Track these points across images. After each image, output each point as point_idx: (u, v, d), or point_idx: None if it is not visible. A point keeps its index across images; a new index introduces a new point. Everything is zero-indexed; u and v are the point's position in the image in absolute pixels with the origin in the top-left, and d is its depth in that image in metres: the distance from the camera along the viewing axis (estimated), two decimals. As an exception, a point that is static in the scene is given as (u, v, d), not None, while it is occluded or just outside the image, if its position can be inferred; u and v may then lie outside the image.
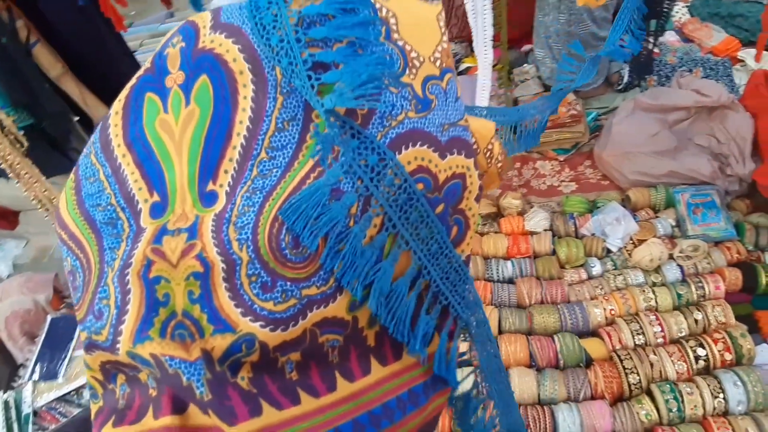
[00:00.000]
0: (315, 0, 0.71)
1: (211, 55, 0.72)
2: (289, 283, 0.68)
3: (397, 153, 0.70)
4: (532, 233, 2.49)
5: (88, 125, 3.14)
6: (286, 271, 0.68)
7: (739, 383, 1.85)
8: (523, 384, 1.95)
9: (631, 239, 2.36)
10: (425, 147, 0.72)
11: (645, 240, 2.31)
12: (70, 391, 2.34)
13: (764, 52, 2.78)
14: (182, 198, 0.71)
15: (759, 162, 2.52)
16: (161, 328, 0.67)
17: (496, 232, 2.56)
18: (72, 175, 0.79)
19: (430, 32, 0.76)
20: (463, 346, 0.86)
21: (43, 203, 2.21)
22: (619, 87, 3.27)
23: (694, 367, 1.94)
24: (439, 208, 0.75)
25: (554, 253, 2.41)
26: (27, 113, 2.76)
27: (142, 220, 0.72)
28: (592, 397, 1.92)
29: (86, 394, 2.32)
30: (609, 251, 2.38)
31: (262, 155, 0.70)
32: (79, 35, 2.75)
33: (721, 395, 1.83)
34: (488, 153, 0.89)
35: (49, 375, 2.38)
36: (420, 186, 0.72)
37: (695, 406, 1.82)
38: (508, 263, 2.38)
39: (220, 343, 0.67)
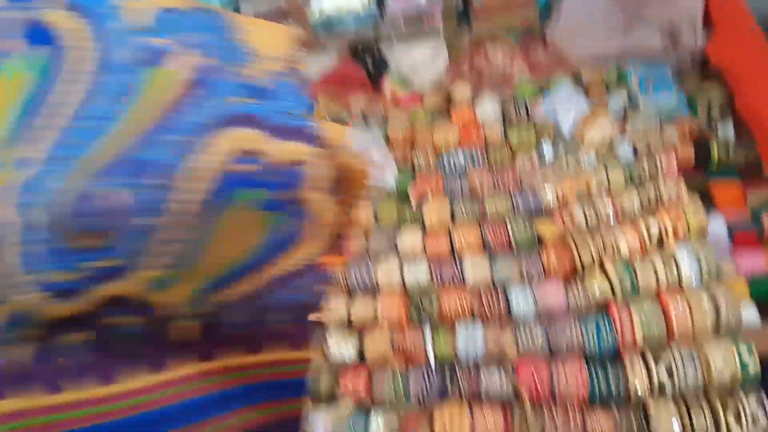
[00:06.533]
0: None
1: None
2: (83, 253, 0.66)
3: (218, 131, 0.71)
4: (483, 124, 2.40)
5: None
6: (80, 241, 0.66)
7: (692, 255, 1.83)
8: (475, 268, 1.91)
9: (583, 120, 2.29)
10: (252, 129, 0.74)
11: (597, 120, 2.25)
12: None
13: None
14: None
15: (709, 35, 2.46)
16: None
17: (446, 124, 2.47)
18: None
19: (275, 40, 0.83)
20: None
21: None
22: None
23: (647, 242, 1.91)
24: (271, 194, 0.76)
25: (506, 140, 2.33)
26: None
27: None
28: (546, 277, 1.90)
29: None
30: (561, 133, 2.32)
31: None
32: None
33: (675, 268, 1.82)
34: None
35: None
36: (245, 167, 0.73)
37: (648, 279, 1.81)
38: (459, 153, 2.30)
39: None
